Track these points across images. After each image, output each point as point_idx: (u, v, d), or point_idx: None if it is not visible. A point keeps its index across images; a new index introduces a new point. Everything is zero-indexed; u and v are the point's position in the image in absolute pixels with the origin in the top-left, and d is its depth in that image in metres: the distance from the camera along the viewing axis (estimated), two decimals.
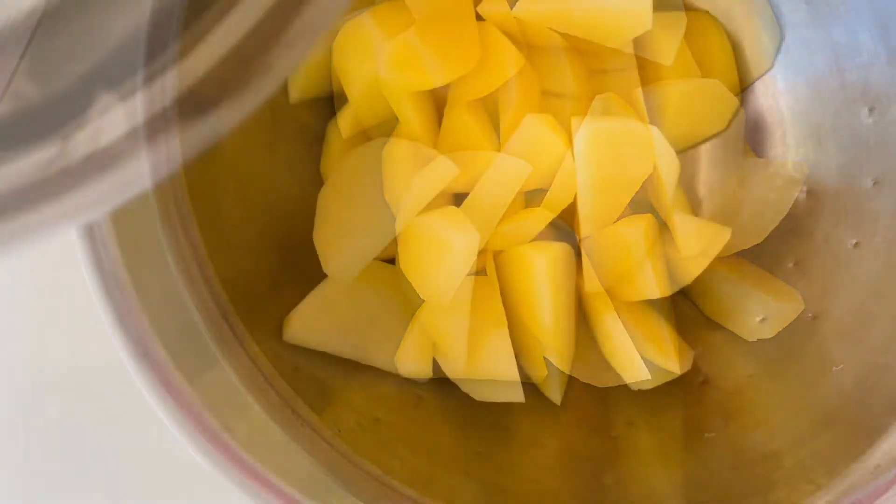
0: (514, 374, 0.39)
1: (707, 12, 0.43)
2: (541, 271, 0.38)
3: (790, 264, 0.42)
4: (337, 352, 0.39)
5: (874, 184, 0.39)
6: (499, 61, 0.39)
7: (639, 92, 0.41)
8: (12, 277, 0.46)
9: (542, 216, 0.39)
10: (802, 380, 0.39)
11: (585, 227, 0.40)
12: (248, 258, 0.38)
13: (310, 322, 0.39)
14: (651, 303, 0.42)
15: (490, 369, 0.39)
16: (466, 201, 0.39)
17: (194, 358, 0.33)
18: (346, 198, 0.40)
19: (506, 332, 0.39)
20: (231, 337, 0.34)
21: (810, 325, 0.40)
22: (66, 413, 0.45)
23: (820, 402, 0.37)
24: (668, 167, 0.39)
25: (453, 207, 0.39)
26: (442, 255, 0.37)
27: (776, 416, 0.38)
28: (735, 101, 0.42)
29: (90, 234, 0.31)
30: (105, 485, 0.45)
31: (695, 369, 0.41)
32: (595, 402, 0.42)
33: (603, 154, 0.38)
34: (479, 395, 0.40)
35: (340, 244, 0.39)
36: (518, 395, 0.39)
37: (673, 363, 0.40)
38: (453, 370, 0.40)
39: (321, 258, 0.40)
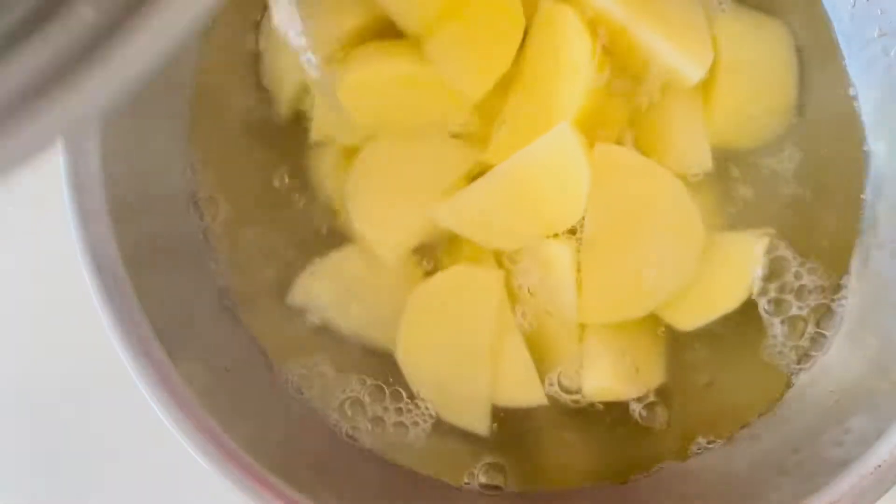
0: (533, 376, 0.38)
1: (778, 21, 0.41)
2: (565, 263, 0.38)
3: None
4: (335, 325, 0.39)
5: None
6: (571, 48, 0.38)
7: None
8: (12, 279, 0.46)
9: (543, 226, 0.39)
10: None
11: (587, 254, 0.38)
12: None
13: (316, 287, 0.39)
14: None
15: (510, 374, 0.39)
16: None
17: (194, 357, 0.33)
18: (383, 185, 0.40)
19: (520, 337, 0.39)
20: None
21: None
22: (67, 413, 0.45)
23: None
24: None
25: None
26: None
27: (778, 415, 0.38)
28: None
29: (90, 233, 0.31)
30: (105, 484, 0.45)
31: (700, 372, 0.41)
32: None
33: (615, 186, 0.37)
34: (501, 400, 0.39)
35: (386, 229, 0.39)
36: (540, 398, 0.39)
37: (632, 387, 0.39)
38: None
39: (368, 243, 0.39)
